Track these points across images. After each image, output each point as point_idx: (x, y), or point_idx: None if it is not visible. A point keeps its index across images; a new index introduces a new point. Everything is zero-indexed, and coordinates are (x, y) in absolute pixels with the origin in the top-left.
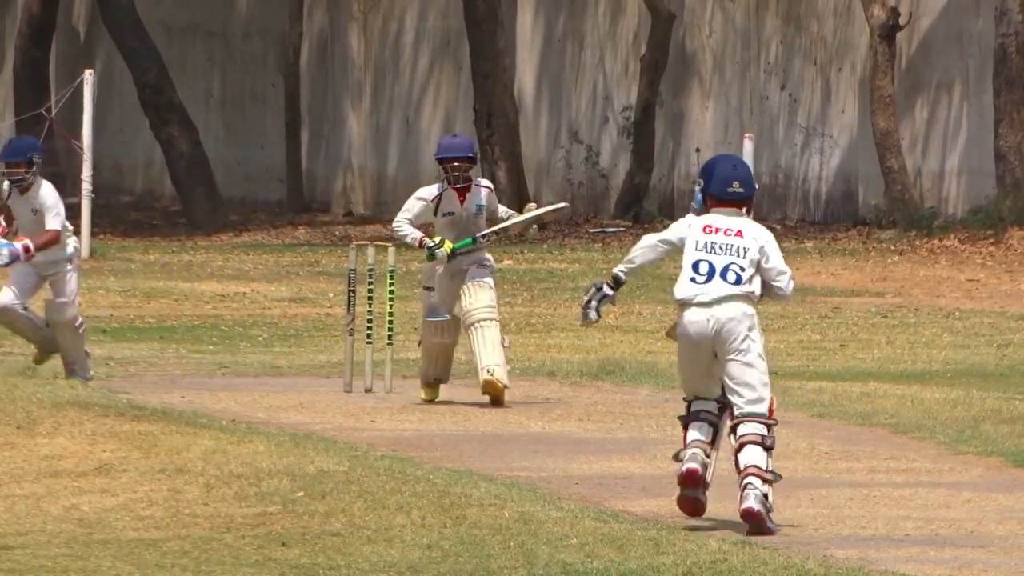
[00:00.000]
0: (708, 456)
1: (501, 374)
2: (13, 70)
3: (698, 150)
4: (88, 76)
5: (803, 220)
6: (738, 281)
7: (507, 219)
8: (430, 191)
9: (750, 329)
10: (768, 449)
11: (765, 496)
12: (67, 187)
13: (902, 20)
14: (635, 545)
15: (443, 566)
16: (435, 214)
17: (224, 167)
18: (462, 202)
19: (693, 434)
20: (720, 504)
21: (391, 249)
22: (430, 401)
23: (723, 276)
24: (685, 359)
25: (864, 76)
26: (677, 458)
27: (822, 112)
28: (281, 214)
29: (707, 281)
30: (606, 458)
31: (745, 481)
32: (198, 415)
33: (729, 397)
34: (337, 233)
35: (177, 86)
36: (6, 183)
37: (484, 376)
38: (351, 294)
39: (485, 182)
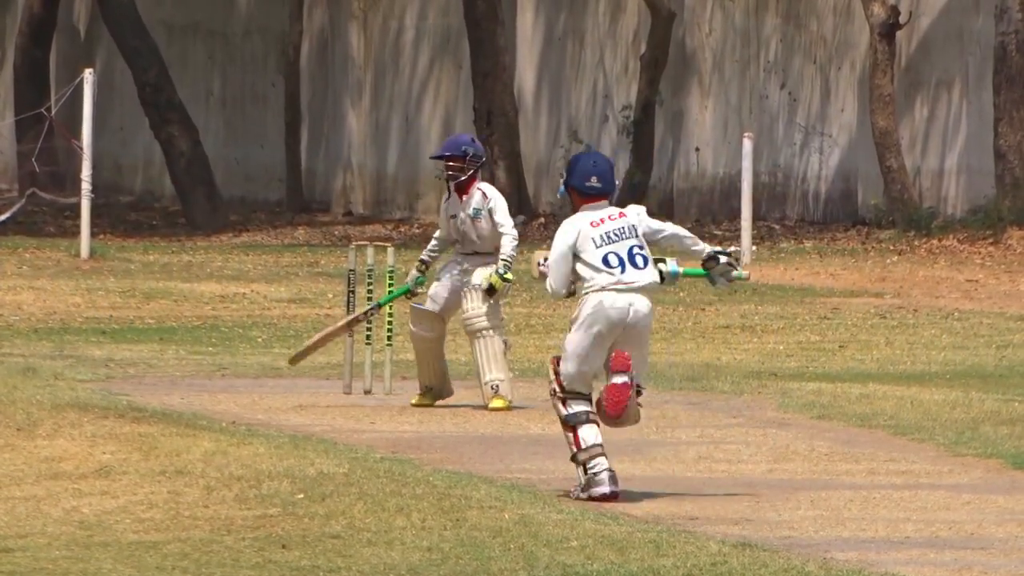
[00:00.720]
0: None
1: (505, 389)
2: (13, 69)
3: (698, 149)
4: (88, 75)
5: (802, 220)
6: (645, 262)
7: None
8: (446, 194)
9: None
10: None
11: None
12: (67, 187)
13: (902, 19)
14: (635, 547)
15: (443, 568)
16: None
17: (224, 167)
18: (460, 203)
19: (591, 437)
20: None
21: (390, 249)
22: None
23: (632, 262)
24: (592, 344)
25: (864, 75)
26: (577, 461)
27: (821, 111)
28: (281, 214)
29: (622, 271)
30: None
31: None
32: (198, 417)
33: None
34: (337, 233)
35: (177, 85)
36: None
37: (488, 393)
38: (351, 295)
39: (485, 187)
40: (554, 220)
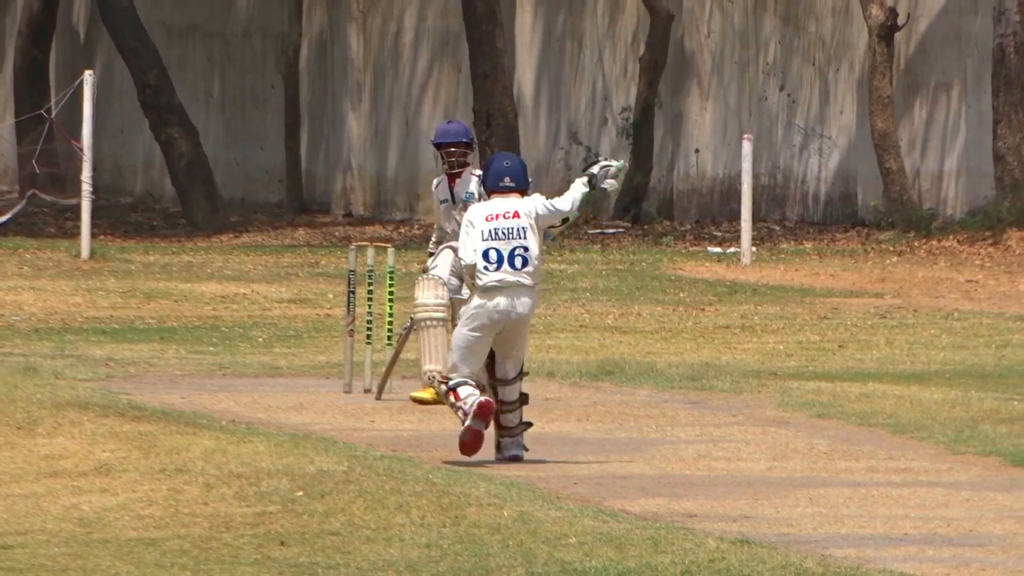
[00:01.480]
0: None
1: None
2: (13, 70)
3: (697, 151)
4: (88, 76)
5: (802, 221)
6: (524, 264)
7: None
8: (436, 180)
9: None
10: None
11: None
12: (67, 188)
13: (900, 20)
14: (634, 544)
15: (442, 565)
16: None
17: (224, 168)
18: (452, 188)
19: (467, 390)
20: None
21: (390, 250)
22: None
23: (511, 262)
24: (476, 338)
25: (862, 76)
26: (455, 407)
27: (820, 113)
28: (281, 215)
29: (497, 268)
30: (605, 458)
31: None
32: (198, 415)
33: (502, 364)
34: (337, 234)
35: (177, 87)
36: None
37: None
38: (351, 295)
39: (479, 172)
40: None
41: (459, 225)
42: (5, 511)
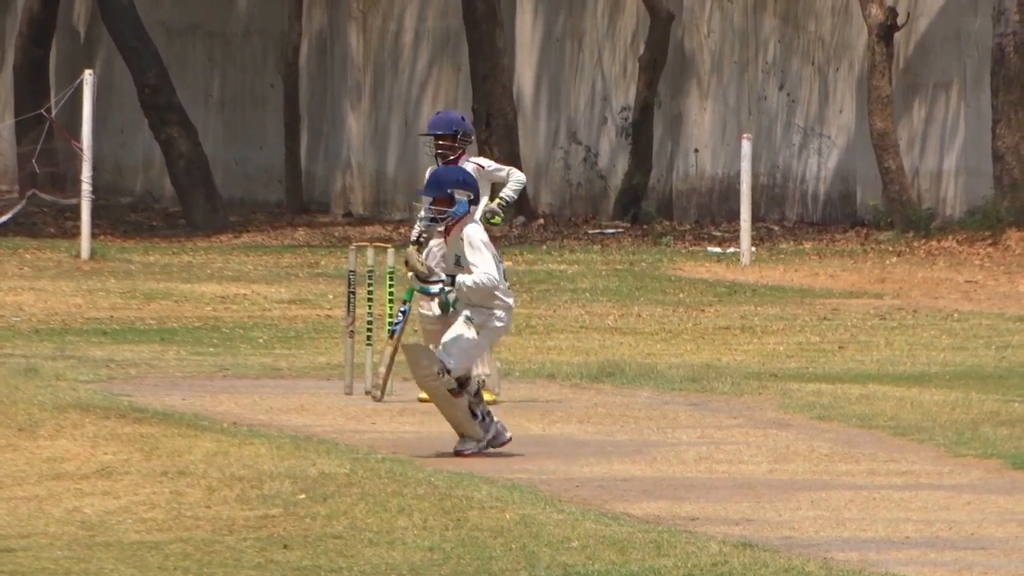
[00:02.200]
0: None
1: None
2: (13, 70)
3: (696, 151)
4: (88, 76)
5: (801, 221)
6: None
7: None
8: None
9: None
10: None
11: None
12: (67, 188)
13: (900, 20)
14: (636, 547)
15: (444, 568)
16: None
17: (223, 168)
18: None
19: (500, 423)
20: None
21: (390, 250)
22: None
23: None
24: (490, 346)
25: (862, 76)
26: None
27: (820, 112)
28: (280, 215)
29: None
30: (607, 460)
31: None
32: (199, 417)
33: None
34: (336, 234)
35: (177, 86)
36: None
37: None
38: (351, 296)
39: (477, 160)
40: (553, 221)
41: None
42: (7, 514)
